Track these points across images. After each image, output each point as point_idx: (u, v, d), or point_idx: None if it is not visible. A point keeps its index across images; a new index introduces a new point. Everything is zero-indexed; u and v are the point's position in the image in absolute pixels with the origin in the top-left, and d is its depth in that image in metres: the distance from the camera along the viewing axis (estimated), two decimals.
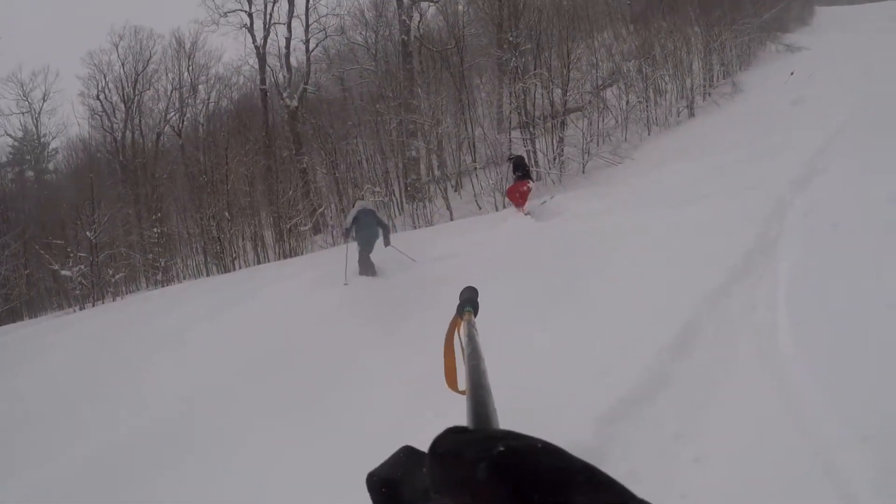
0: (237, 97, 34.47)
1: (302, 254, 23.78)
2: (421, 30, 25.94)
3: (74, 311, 25.39)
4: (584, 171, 19.02)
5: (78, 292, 27.01)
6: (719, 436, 3.18)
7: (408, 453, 0.61)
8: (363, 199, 11.15)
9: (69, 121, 48.45)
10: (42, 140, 43.59)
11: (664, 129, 20.35)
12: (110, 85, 36.49)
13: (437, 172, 23.47)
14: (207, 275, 26.73)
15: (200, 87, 35.67)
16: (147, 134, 36.09)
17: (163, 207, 30.11)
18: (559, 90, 20.68)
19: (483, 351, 0.85)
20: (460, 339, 1.09)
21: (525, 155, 18.84)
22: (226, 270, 25.56)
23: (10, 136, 42.83)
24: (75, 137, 39.40)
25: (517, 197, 13.70)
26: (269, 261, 25.68)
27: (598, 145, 20.05)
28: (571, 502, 0.38)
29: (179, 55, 35.72)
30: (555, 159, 19.71)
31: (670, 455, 3.10)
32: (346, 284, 10.23)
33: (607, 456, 3.10)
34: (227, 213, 26.57)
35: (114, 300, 26.09)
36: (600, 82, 22.06)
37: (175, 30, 44.66)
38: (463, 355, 0.95)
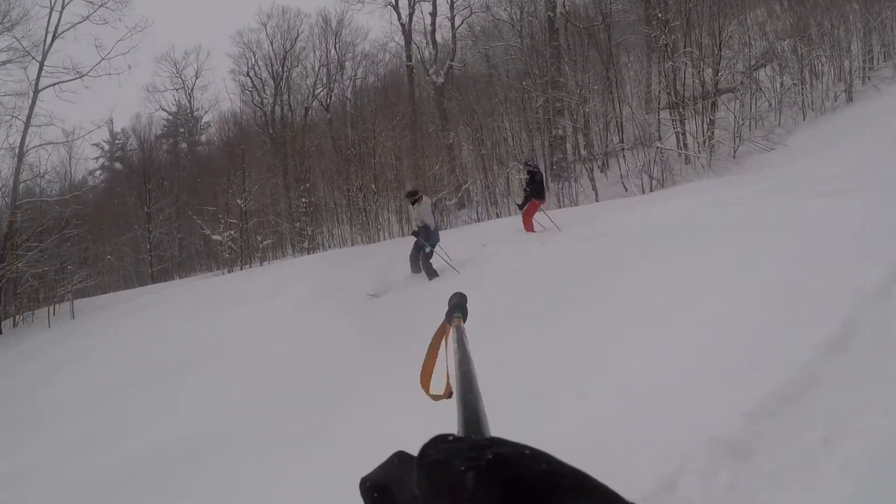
0: (383, 73, 37.20)
1: (446, 228, 25.38)
2: (567, 6, 26.42)
3: (223, 273, 28.40)
4: (734, 156, 19.27)
5: (227, 256, 30.64)
6: (868, 444, 3.04)
7: (401, 458, 0.60)
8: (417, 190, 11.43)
9: (220, 96, 53.18)
10: (195, 114, 48.89)
11: (820, 115, 20.05)
12: (259, 62, 40.56)
13: (583, 152, 24.24)
14: (352, 244, 28.99)
15: (347, 63, 38.82)
16: (295, 108, 39.68)
17: (310, 178, 32.77)
18: (710, 69, 20.71)
19: (473, 355, 0.88)
20: (447, 345, 1.15)
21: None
22: (370, 241, 27.73)
23: (164, 110, 48.52)
24: (226, 111, 44.03)
25: (530, 222, 12.96)
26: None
27: (750, 129, 20.22)
28: None
29: (326, 33, 39.02)
30: (705, 142, 20.10)
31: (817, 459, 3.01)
32: (458, 273, 10.59)
33: (754, 453, 3.10)
34: (373, 186, 28.95)
35: (261, 265, 29.09)
36: (753, 62, 21.99)
37: (321, 9, 47.86)
38: (448, 361, 1.00)
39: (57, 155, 42.18)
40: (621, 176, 21.55)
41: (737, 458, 3.02)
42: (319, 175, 33.51)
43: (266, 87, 40.26)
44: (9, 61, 23.45)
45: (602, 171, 23.67)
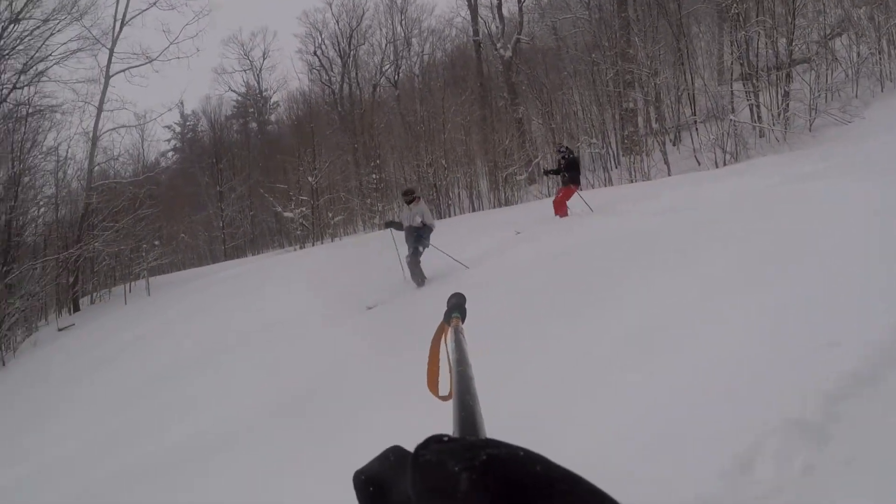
0: (451, 49, 37.78)
1: (517, 203, 26.12)
2: None
3: (295, 249, 29.45)
4: (810, 129, 18.94)
5: (299, 233, 32.09)
6: None
7: (396, 454, 0.60)
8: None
9: (288, 76, 54.62)
10: (263, 94, 50.31)
11: None
12: (326, 41, 41.86)
13: (654, 125, 24.24)
14: None
15: (414, 40, 39.65)
16: (363, 86, 40.66)
17: (380, 155, 33.59)
18: (784, 39, 20.40)
19: (470, 357, 0.88)
20: (446, 345, 1.14)
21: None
22: (441, 217, 28.26)
23: (234, 91, 50.28)
24: (295, 91, 45.58)
25: (564, 207, 12.92)
26: (483, 209, 28.26)
27: (826, 101, 19.76)
28: None
29: (392, 10, 39.84)
30: (779, 115, 19.96)
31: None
32: (467, 267, 10.39)
33: (831, 435, 2.94)
34: (443, 162, 29.70)
35: (332, 241, 30.24)
36: (828, 31, 21.40)
37: None
38: (449, 362, 0.99)
39: (129, 138, 43.77)
40: (694, 150, 21.50)
41: (814, 440, 2.93)
42: (389, 151, 34.29)
43: (333, 66, 41.43)
44: (79, 50, 24.53)
45: (674, 145, 23.71)
